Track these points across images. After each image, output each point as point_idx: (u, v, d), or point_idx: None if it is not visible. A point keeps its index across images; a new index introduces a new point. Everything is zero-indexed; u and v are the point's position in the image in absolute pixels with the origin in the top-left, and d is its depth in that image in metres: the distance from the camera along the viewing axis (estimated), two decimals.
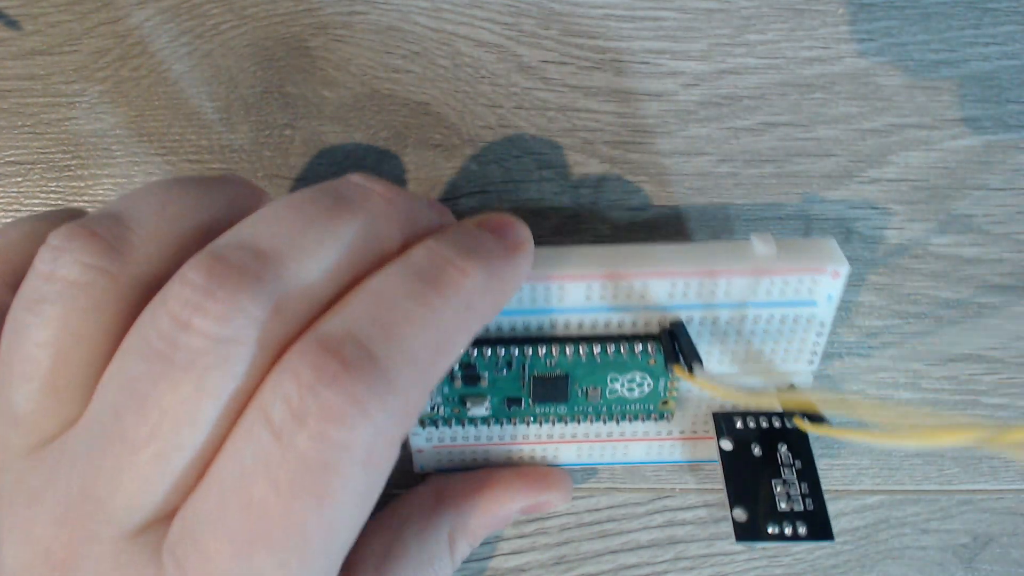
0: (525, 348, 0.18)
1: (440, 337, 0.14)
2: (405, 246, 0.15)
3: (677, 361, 0.18)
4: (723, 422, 0.20)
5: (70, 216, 0.17)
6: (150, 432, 0.12)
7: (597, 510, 0.21)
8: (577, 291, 0.18)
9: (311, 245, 0.13)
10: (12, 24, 0.21)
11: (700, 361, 0.17)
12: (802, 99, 0.22)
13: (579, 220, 0.22)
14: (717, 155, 0.22)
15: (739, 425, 0.20)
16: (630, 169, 0.22)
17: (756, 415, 0.20)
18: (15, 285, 0.16)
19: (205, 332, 0.12)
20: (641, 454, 0.21)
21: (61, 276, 0.13)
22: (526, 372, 0.19)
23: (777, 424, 0.19)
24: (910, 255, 0.22)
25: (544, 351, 0.18)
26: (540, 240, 0.22)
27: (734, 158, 0.22)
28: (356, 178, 0.15)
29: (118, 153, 0.22)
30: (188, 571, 0.12)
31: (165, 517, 0.13)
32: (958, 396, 0.21)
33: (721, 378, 0.19)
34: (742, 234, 0.22)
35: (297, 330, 0.13)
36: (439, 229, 0.16)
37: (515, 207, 0.22)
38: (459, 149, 0.22)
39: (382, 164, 0.22)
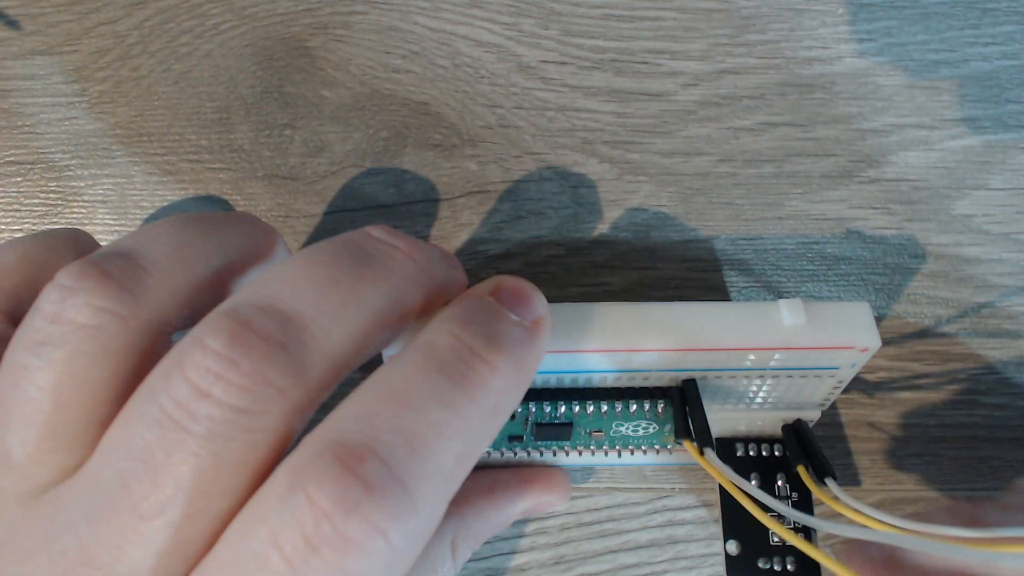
0: (529, 405, 0.17)
1: (467, 446, 0.13)
2: (424, 305, 0.14)
3: (689, 437, 0.17)
4: (723, 449, 0.19)
5: (67, 239, 0.17)
6: (162, 503, 0.12)
7: (597, 510, 0.21)
8: (589, 359, 0.17)
9: (336, 310, 0.13)
10: (12, 24, 0.21)
11: (713, 446, 0.16)
12: (802, 99, 0.22)
13: (579, 220, 0.22)
14: (717, 155, 0.22)
15: (740, 453, 0.19)
16: (630, 169, 0.22)
17: (758, 443, 0.19)
18: (10, 312, 0.15)
19: (226, 402, 0.12)
20: (641, 458, 0.21)
21: (69, 318, 0.13)
22: (529, 422, 0.18)
23: (778, 453, 0.19)
24: (910, 255, 0.22)
25: (549, 408, 0.18)
26: (540, 240, 0.22)
27: (734, 158, 0.22)
28: (377, 232, 0.14)
29: (118, 153, 0.22)
30: None
31: None
32: (958, 396, 0.21)
33: (731, 471, 0.17)
34: (742, 234, 0.22)
35: (318, 395, 0.13)
36: (454, 289, 0.15)
37: (515, 207, 0.22)
38: (459, 149, 0.22)
39: (382, 164, 0.22)
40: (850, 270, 0.22)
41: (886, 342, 0.22)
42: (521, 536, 0.21)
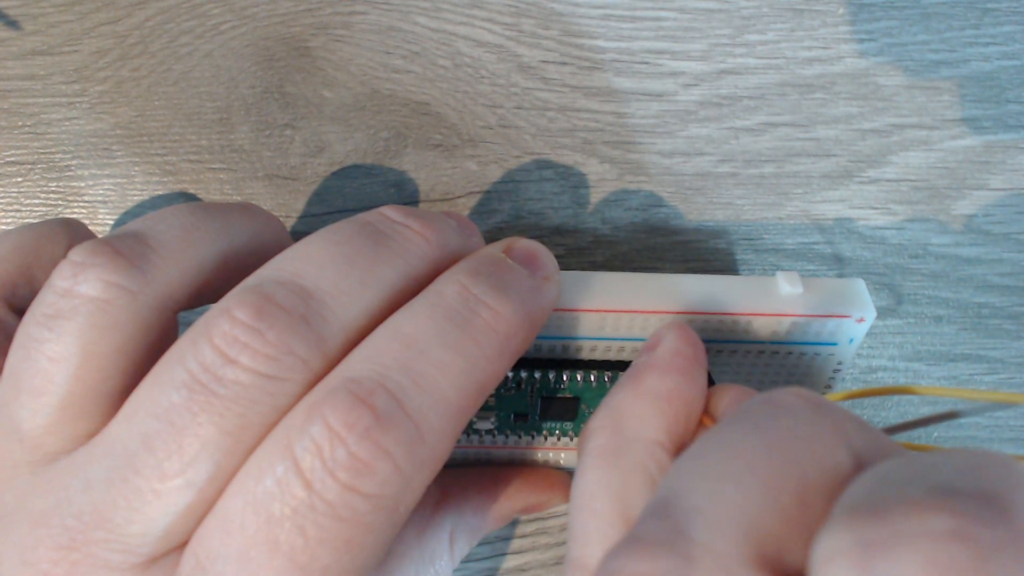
0: (535, 373, 0.18)
1: (472, 384, 0.13)
2: (438, 274, 0.15)
3: None
4: None
5: (61, 227, 0.17)
6: (186, 462, 0.12)
7: None
8: (593, 320, 0.17)
9: (354, 287, 0.14)
10: (12, 24, 0.21)
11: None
12: (802, 99, 0.22)
13: (579, 220, 0.22)
14: (717, 155, 0.22)
15: None
16: (630, 169, 0.22)
17: None
18: (7, 299, 0.16)
19: (253, 368, 0.12)
20: None
21: (81, 293, 0.13)
22: (535, 394, 0.18)
23: None
24: (910, 255, 0.22)
25: (554, 376, 0.18)
26: (540, 240, 0.22)
27: (734, 158, 0.22)
28: (391, 213, 0.15)
29: (118, 153, 0.22)
30: None
31: (179, 547, 0.13)
32: None
33: None
34: (743, 235, 0.22)
35: (335, 364, 0.13)
36: (468, 253, 0.16)
37: (515, 207, 0.22)
38: (459, 149, 0.22)
39: (382, 164, 0.22)
40: (850, 270, 0.22)
41: (886, 342, 0.22)
42: (521, 536, 0.21)
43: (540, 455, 0.20)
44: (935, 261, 0.22)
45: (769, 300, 0.17)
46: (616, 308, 0.17)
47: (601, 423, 0.15)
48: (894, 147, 0.22)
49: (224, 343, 0.13)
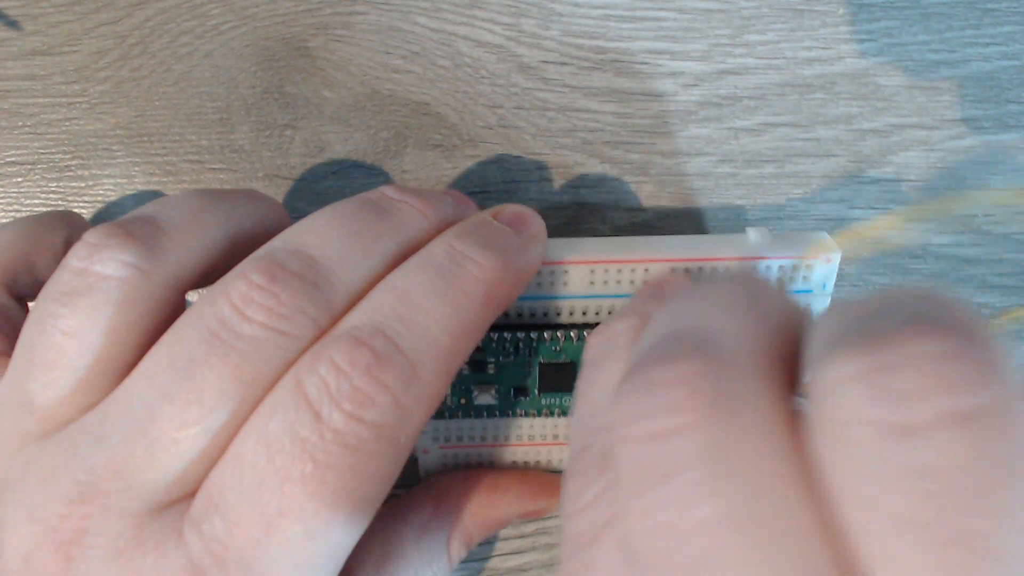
0: (531, 333, 0.19)
1: (461, 328, 0.15)
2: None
3: None
4: None
5: (59, 217, 0.18)
6: (204, 410, 0.13)
7: None
8: (580, 276, 0.18)
9: (357, 257, 0.15)
10: (12, 24, 0.21)
11: None
12: (802, 99, 0.22)
13: (579, 220, 0.22)
14: (717, 155, 0.22)
15: None
16: (630, 169, 0.22)
17: None
18: (9, 285, 0.17)
19: (268, 324, 0.14)
20: None
21: (96, 272, 0.14)
22: (533, 358, 0.19)
23: None
24: (910, 255, 0.22)
25: (550, 336, 0.19)
26: None
27: (734, 158, 0.22)
28: (391, 191, 0.16)
29: (118, 153, 0.22)
30: (212, 544, 0.13)
31: (190, 494, 0.14)
32: None
33: None
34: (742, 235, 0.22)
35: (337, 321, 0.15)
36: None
37: None
38: (459, 149, 0.22)
39: (382, 164, 0.22)
40: (850, 271, 0.22)
41: None
42: (521, 536, 0.21)
43: (543, 453, 0.20)
44: (935, 261, 0.22)
45: (741, 248, 0.18)
46: (602, 259, 0.18)
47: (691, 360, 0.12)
48: (894, 147, 0.22)
49: (241, 302, 0.14)
